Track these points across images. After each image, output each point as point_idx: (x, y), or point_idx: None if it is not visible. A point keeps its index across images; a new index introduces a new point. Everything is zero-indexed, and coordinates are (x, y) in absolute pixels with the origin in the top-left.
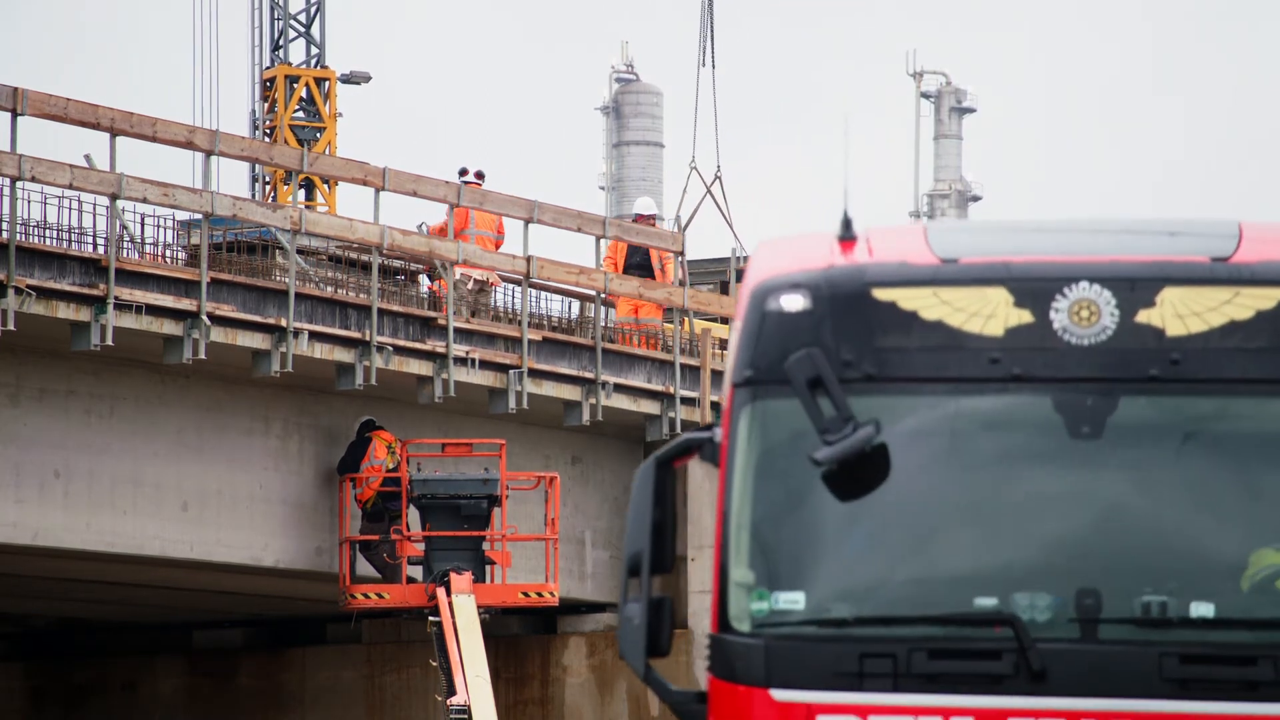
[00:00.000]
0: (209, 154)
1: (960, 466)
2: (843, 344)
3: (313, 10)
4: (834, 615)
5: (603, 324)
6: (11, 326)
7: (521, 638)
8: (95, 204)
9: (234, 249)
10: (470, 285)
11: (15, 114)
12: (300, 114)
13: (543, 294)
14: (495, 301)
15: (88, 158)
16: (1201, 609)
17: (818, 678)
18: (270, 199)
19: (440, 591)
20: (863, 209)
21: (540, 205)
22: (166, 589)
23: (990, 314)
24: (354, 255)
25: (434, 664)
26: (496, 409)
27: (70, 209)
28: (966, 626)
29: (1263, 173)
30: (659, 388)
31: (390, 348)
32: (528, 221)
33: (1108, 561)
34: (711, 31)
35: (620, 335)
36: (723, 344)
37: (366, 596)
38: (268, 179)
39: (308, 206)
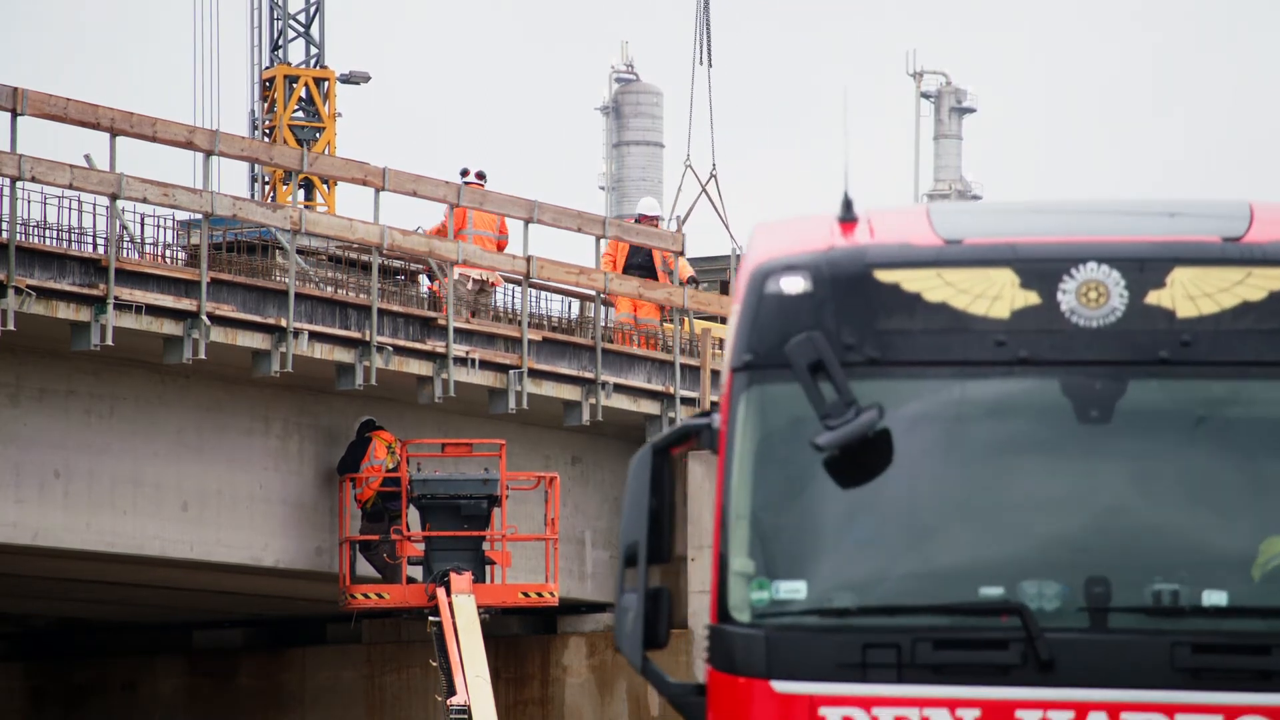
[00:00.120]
0: (209, 154)
1: (965, 452)
2: (844, 327)
3: (312, 10)
4: (836, 605)
5: (603, 324)
6: (11, 326)
7: (521, 638)
8: (95, 204)
9: (234, 249)
10: (470, 285)
11: (15, 114)
12: (300, 114)
13: (543, 294)
14: (495, 301)
15: (88, 158)
16: (1214, 597)
17: (820, 669)
18: (270, 199)
19: (440, 591)
20: (862, 208)
21: (540, 205)
22: (166, 589)
23: (996, 296)
24: (354, 255)
25: (434, 664)
26: (496, 409)
27: (70, 209)
28: (973, 616)
29: (1263, 173)
30: (659, 388)
31: (390, 348)
32: (528, 221)
33: (1117, 549)
34: (708, 29)
35: (619, 334)
36: (723, 344)
37: (366, 596)
38: (267, 179)
39: (307, 206)
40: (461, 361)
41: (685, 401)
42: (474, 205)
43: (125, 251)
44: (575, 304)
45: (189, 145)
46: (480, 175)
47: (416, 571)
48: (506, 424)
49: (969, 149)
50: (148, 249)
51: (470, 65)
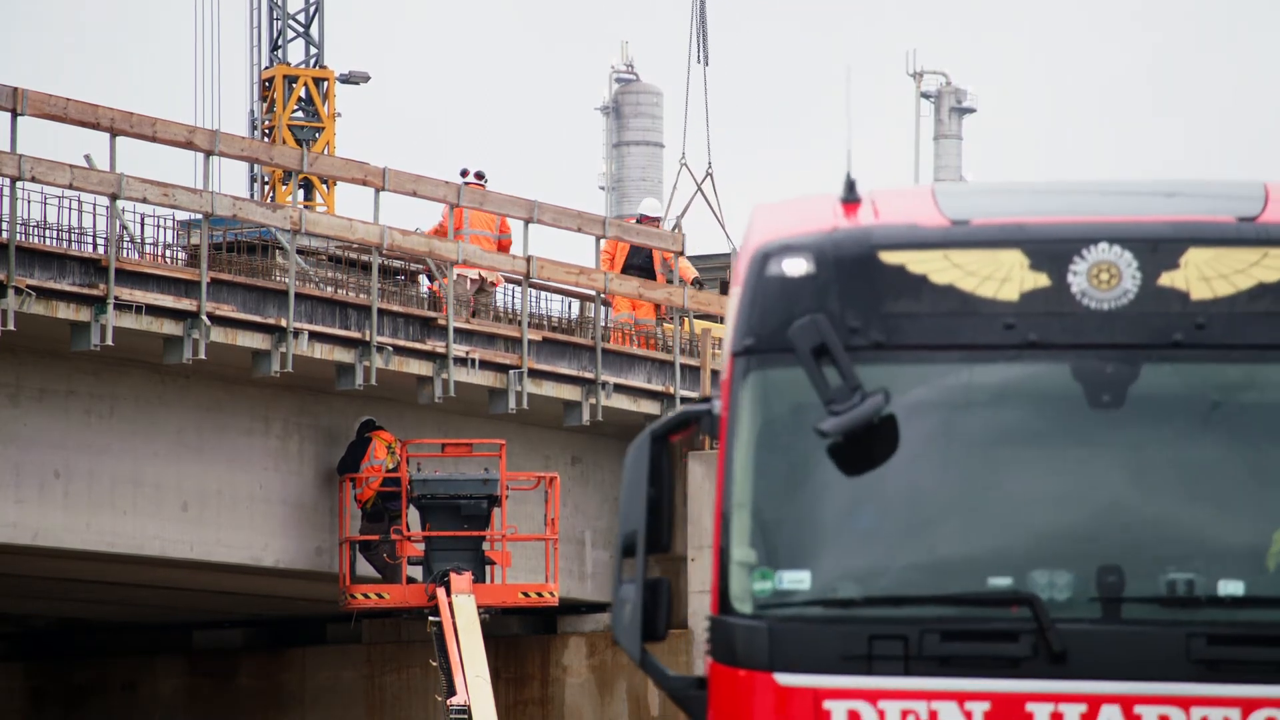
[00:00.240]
0: (209, 154)
1: (973, 438)
2: (849, 310)
3: (311, 10)
4: (841, 595)
5: (602, 324)
6: (11, 326)
7: (521, 638)
8: (95, 204)
9: (234, 249)
10: (469, 285)
11: (15, 114)
12: (299, 114)
13: (543, 294)
14: (495, 301)
15: (88, 158)
16: (1230, 587)
17: (824, 661)
18: (269, 199)
19: (440, 591)
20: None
21: (540, 205)
22: (166, 589)
23: (1005, 277)
24: (354, 255)
25: (434, 664)
26: (496, 409)
27: (70, 209)
28: (981, 606)
29: (1263, 173)
30: (659, 388)
31: (390, 348)
32: (528, 221)
33: (1130, 537)
34: (704, 28)
35: (617, 333)
36: (723, 344)
37: (366, 596)
38: (267, 179)
39: (307, 206)
40: (461, 361)
41: (685, 401)
42: (474, 205)
43: (125, 251)
44: (575, 304)
45: (189, 145)
46: (480, 175)
47: (416, 571)
48: (506, 424)
49: (969, 149)
50: (148, 249)
51: (470, 65)
